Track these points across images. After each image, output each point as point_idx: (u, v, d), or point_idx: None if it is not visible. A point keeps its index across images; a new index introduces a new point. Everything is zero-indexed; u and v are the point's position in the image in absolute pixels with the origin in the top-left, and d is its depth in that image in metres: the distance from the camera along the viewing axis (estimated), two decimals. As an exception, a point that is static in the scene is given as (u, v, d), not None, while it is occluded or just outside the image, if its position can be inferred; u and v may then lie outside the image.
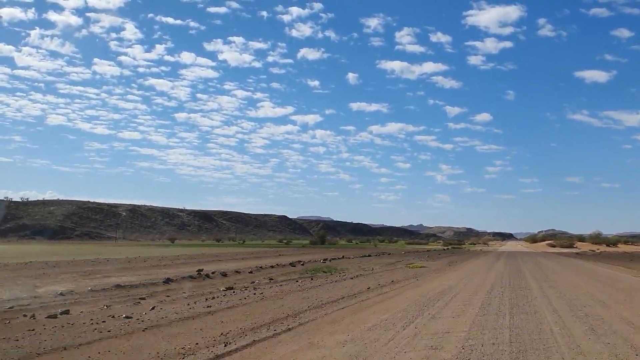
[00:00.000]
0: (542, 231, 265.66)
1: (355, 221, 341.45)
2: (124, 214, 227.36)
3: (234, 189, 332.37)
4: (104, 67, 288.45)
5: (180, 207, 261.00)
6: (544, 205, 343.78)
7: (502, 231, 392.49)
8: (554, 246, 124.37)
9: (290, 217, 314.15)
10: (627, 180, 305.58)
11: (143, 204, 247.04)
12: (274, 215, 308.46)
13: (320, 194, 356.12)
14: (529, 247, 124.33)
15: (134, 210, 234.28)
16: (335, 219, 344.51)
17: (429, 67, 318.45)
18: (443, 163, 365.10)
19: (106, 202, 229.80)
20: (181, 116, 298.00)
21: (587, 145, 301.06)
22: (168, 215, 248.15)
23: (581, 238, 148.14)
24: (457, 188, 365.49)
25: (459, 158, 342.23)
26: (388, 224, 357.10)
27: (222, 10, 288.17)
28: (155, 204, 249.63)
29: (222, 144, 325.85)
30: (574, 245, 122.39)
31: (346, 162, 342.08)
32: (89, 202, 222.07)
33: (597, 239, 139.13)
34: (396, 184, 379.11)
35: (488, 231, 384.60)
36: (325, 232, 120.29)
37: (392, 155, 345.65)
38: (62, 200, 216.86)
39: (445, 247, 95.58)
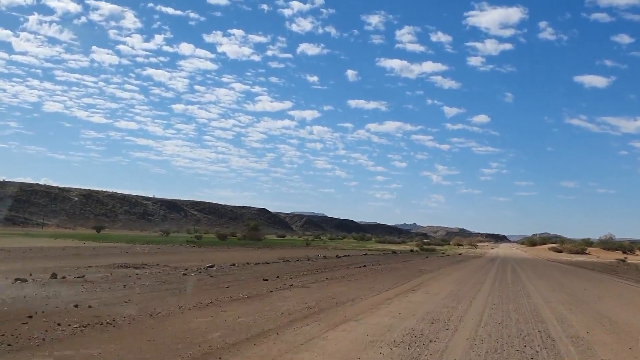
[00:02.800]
0: (536, 234, 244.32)
1: (342, 217, 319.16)
2: (76, 199, 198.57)
3: (230, 183, 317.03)
4: (102, 55, 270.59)
5: (147, 195, 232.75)
6: (538, 208, 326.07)
7: (496, 233, 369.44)
8: (559, 251, 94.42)
9: (270, 210, 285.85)
10: (623, 186, 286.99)
11: (102, 190, 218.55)
12: (253, 208, 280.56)
13: (316, 191, 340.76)
14: (529, 252, 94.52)
15: (88, 195, 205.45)
16: (329, 216, 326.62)
17: (428, 66, 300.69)
18: (439, 163, 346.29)
19: (57, 185, 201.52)
20: (178, 107, 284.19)
21: (583, 151, 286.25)
22: (129, 203, 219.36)
23: (588, 242, 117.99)
24: (452, 189, 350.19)
25: (455, 159, 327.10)
26: (382, 222, 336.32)
27: (223, 2, 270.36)
28: (141, 194, 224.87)
29: (218, 136, 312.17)
30: (586, 252, 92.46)
31: (343, 159, 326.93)
32: (37, 184, 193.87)
33: (608, 244, 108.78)
34: (392, 182, 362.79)
35: (481, 232, 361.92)
36: (257, 224, 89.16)
37: (388, 153, 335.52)
38: (6, 182, 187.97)
39: (413, 249, 65.71)
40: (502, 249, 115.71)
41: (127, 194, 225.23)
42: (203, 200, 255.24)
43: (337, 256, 35.11)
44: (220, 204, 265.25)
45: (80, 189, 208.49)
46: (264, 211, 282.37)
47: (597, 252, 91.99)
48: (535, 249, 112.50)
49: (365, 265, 25.41)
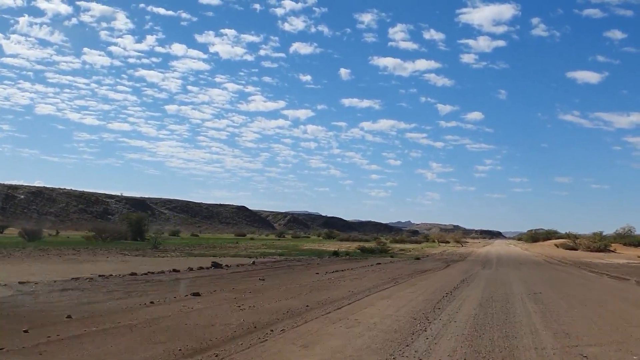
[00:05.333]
0: (532, 230, 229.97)
1: (330, 215, 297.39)
2: (22, 197, 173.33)
3: (225, 183, 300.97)
4: (93, 57, 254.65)
5: (112, 193, 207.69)
6: (533, 204, 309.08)
7: (491, 229, 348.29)
8: (573, 249, 68.94)
9: (250, 208, 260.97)
10: (616, 181, 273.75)
11: (58, 187, 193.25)
12: (231, 205, 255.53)
13: (311, 190, 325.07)
14: (532, 250, 69.01)
15: (38, 193, 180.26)
16: (324, 215, 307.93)
17: (421, 64, 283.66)
18: (433, 161, 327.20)
19: (2, 182, 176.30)
20: (171, 108, 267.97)
21: (577, 146, 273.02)
22: (86, 201, 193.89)
23: (601, 236, 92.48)
24: (447, 186, 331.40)
25: (449, 156, 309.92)
26: (377, 221, 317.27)
27: (214, 1, 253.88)
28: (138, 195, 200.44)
29: (212, 137, 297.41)
30: (611, 248, 66.97)
31: (337, 158, 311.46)
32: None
33: (628, 237, 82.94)
34: (386, 180, 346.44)
35: (476, 229, 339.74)
36: (140, 216, 60.35)
37: (383, 152, 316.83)
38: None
39: (338, 251, 39.87)
40: (496, 246, 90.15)
41: (86, 191, 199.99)
42: (175, 198, 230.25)
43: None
44: (194, 202, 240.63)
45: (30, 186, 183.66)
46: (242, 209, 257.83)
47: (622, 250, 66.75)
48: (538, 245, 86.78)
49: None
